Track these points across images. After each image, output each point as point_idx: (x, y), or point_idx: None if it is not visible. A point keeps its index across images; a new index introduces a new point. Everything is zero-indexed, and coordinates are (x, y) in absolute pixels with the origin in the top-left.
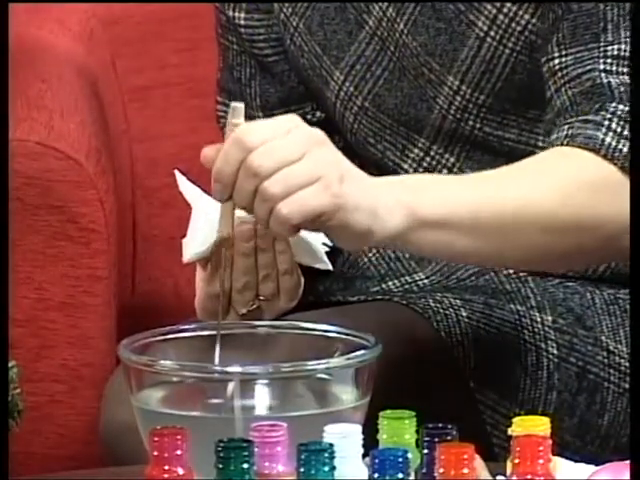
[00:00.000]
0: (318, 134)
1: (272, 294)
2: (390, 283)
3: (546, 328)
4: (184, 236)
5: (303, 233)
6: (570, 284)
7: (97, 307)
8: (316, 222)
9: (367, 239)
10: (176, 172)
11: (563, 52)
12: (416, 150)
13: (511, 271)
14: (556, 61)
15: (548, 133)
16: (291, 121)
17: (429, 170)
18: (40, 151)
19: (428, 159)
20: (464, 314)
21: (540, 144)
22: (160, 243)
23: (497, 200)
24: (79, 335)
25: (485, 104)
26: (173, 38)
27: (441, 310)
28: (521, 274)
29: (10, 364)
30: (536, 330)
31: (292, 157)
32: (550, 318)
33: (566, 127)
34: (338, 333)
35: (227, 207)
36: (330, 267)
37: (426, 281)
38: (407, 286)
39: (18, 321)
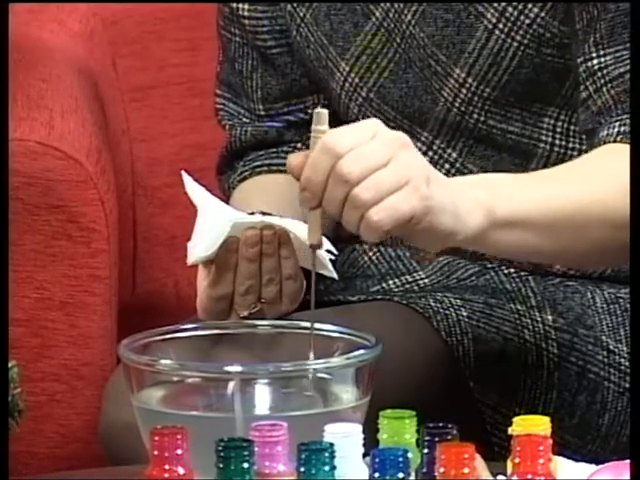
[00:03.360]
0: (402, 137)
1: (274, 298)
2: (390, 282)
3: (546, 327)
4: (185, 236)
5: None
6: (571, 283)
7: (97, 307)
8: (406, 226)
9: (449, 240)
10: (183, 173)
11: (601, 52)
12: (419, 144)
13: (512, 270)
14: (594, 61)
15: (589, 132)
16: (375, 125)
17: (431, 164)
18: (40, 151)
19: (430, 153)
20: (464, 314)
21: (543, 138)
22: (160, 243)
23: (567, 198)
24: (79, 335)
25: (490, 97)
26: (173, 38)
27: (441, 310)
28: (522, 273)
29: (10, 364)
30: (536, 329)
31: (380, 162)
32: (550, 317)
33: (617, 124)
34: (338, 333)
35: (315, 215)
36: (335, 276)
37: (426, 280)
38: (407, 285)
39: (18, 321)
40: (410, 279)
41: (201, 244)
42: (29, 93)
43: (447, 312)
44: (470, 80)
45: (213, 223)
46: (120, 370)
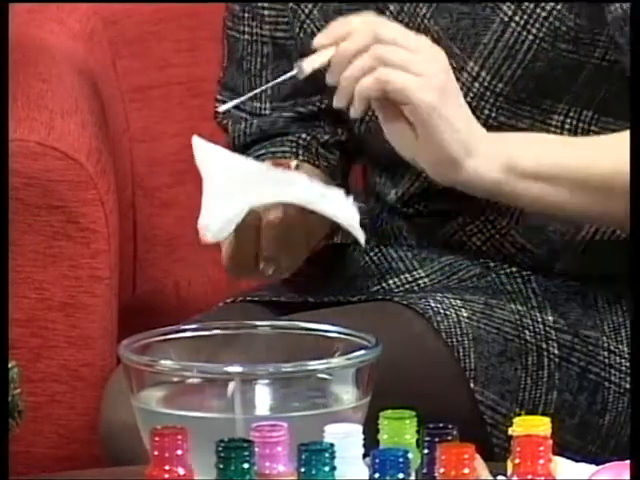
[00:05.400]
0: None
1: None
2: (391, 282)
3: (547, 328)
4: (186, 237)
5: (338, 215)
6: (573, 283)
7: (97, 307)
8: (409, 111)
9: (455, 172)
10: (194, 138)
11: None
12: None
13: (514, 269)
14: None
15: None
16: (426, 41)
17: None
18: (40, 151)
19: None
20: (465, 314)
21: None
22: (160, 243)
23: (593, 163)
24: (79, 335)
25: (502, 93)
26: (173, 38)
27: (441, 310)
28: (524, 273)
29: (10, 364)
30: (537, 330)
31: (418, 49)
32: (551, 318)
33: None
34: (338, 333)
35: (322, 53)
36: (362, 240)
37: (427, 280)
38: (407, 285)
39: (18, 321)
40: (410, 279)
41: (215, 224)
42: (29, 93)
43: (447, 312)
44: (483, 74)
45: (228, 204)
46: (119, 371)
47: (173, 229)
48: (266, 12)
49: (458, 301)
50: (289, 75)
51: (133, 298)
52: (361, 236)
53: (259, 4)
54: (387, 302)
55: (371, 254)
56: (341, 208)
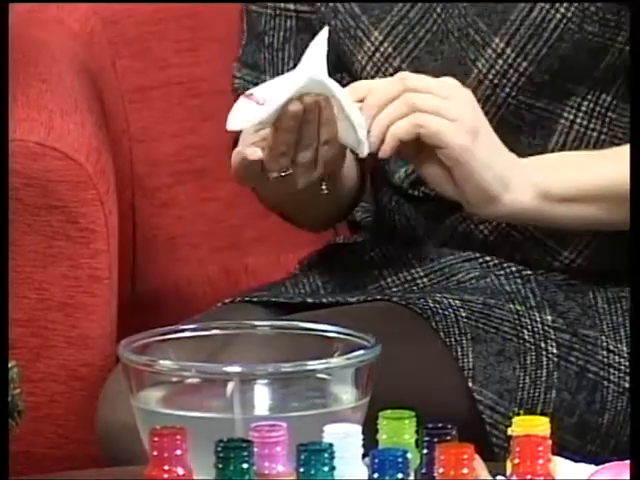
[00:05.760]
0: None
1: (309, 162)
2: (389, 279)
3: (546, 327)
4: (185, 237)
5: (352, 113)
6: (574, 282)
7: (97, 307)
8: (444, 155)
9: (495, 205)
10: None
11: None
12: None
13: (514, 269)
14: None
15: None
16: (455, 85)
17: None
18: (40, 151)
19: None
20: (463, 314)
21: (565, 114)
22: (160, 243)
23: (620, 177)
24: (79, 335)
25: (525, 72)
26: (173, 38)
27: (440, 310)
28: (524, 273)
29: (10, 364)
30: (535, 329)
31: (449, 94)
32: (550, 318)
33: None
34: (338, 333)
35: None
36: (365, 153)
37: (425, 280)
38: (406, 284)
39: (18, 321)
40: (409, 277)
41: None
42: (29, 93)
43: (446, 312)
44: (508, 51)
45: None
46: (118, 371)
47: (172, 229)
48: None
49: (457, 301)
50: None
51: (132, 298)
52: (365, 148)
53: None
54: (386, 302)
55: (372, 254)
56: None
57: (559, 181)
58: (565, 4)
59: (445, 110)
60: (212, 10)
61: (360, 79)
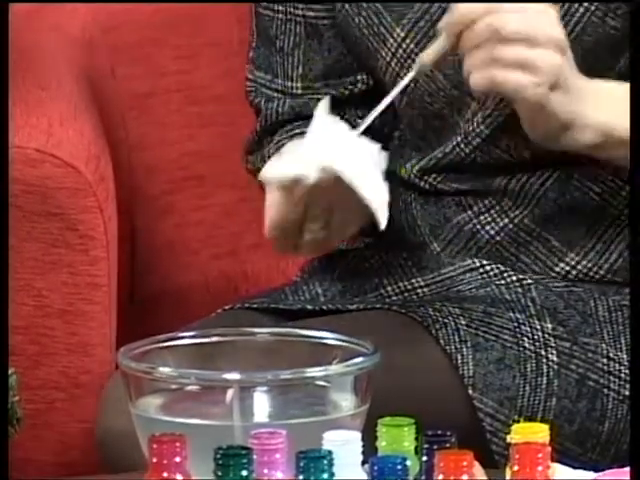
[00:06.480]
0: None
1: (341, 224)
2: (389, 288)
3: (546, 335)
4: (184, 244)
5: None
6: (575, 289)
7: (96, 314)
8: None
9: (555, 142)
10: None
11: None
12: (467, 113)
13: (514, 278)
14: None
15: None
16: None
17: (483, 127)
18: (39, 158)
19: (480, 116)
20: (463, 322)
21: None
22: (159, 250)
23: None
24: (78, 342)
25: None
26: (172, 45)
27: (440, 318)
28: (524, 282)
29: (9, 371)
30: (536, 337)
31: (535, 39)
32: (550, 326)
33: None
34: (337, 340)
35: (443, 40)
36: (383, 225)
37: (426, 290)
38: (406, 293)
39: (17, 328)
40: (409, 287)
41: (276, 166)
42: (27, 100)
43: (446, 320)
44: None
45: (302, 154)
46: (117, 377)
47: (172, 236)
48: None
49: (457, 309)
50: (411, 76)
51: (132, 305)
52: (384, 220)
53: None
54: (386, 310)
55: (372, 261)
56: (376, 189)
57: (625, 122)
58: None
59: (528, 61)
60: (211, 16)
61: (385, 76)
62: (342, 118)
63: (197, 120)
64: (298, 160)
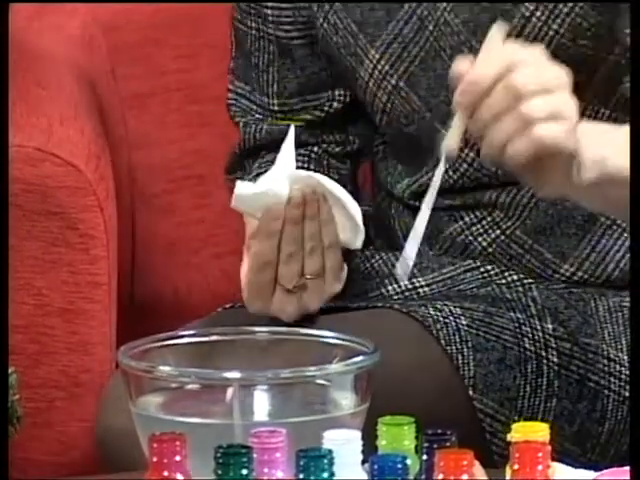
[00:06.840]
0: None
1: (318, 270)
2: (390, 288)
3: (546, 336)
4: (184, 243)
5: (348, 201)
6: (575, 290)
7: (96, 313)
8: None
9: (564, 189)
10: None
11: None
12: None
13: (515, 278)
14: None
15: None
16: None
17: (468, 150)
18: (39, 157)
19: None
20: (464, 322)
21: None
22: (159, 249)
23: None
24: (78, 341)
25: None
26: (172, 44)
27: (441, 318)
28: (525, 282)
29: (9, 370)
30: (536, 338)
31: (551, 87)
32: (550, 326)
33: None
34: (337, 339)
35: (460, 119)
36: (359, 244)
37: (427, 289)
38: (407, 293)
39: (17, 327)
40: (410, 286)
41: (248, 189)
42: (28, 99)
43: (447, 320)
44: None
45: (270, 176)
46: (117, 376)
47: (172, 235)
48: (269, 11)
49: (457, 309)
50: (442, 167)
51: (132, 304)
52: (361, 239)
53: (262, 2)
54: (386, 310)
55: (372, 261)
56: (353, 204)
57: (619, 161)
58: (558, 20)
59: (555, 110)
60: (210, 16)
61: (365, 94)
62: (320, 143)
63: (197, 119)
64: (268, 179)
